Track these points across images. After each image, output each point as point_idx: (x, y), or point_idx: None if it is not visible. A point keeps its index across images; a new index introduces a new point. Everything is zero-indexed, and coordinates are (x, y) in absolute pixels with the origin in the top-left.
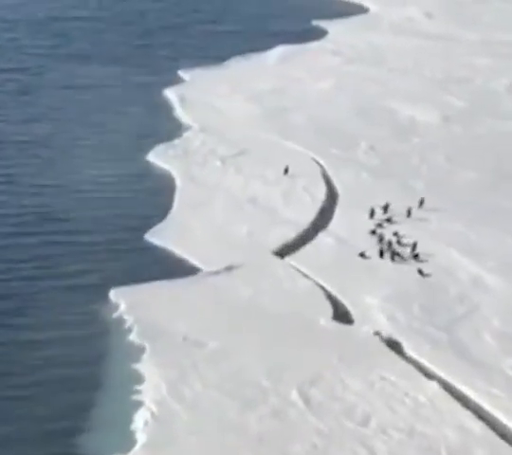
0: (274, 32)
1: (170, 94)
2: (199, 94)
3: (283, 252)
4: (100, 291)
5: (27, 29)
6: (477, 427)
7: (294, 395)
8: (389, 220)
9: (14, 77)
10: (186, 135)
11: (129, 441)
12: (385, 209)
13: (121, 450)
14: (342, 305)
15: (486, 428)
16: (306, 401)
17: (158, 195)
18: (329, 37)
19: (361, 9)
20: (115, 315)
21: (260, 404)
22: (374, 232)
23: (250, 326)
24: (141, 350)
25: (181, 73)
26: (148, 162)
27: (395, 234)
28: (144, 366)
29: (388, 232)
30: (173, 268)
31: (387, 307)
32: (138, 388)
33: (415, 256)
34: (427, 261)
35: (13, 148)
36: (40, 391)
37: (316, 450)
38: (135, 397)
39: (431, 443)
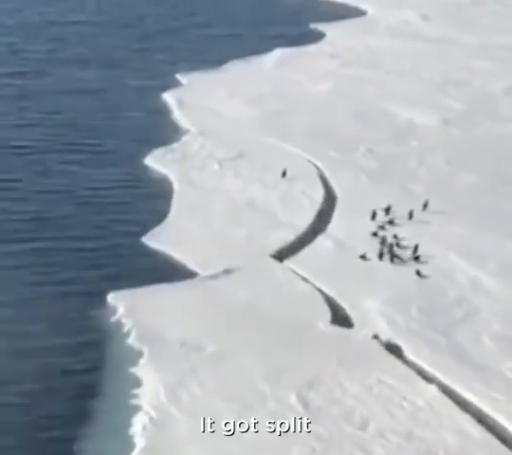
0: (272, 35)
1: (168, 97)
2: (197, 97)
3: (281, 255)
4: (98, 295)
5: (24, 34)
6: (476, 430)
7: (293, 399)
8: (391, 222)
9: (12, 81)
10: (184, 138)
11: (127, 446)
12: (387, 211)
13: None
14: (341, 309)
15: (486, 432)
16: (305, 405)
17: (156, 199)
18: (327, 40)
19: (359, 12)
20: (113, 319)
21: (258, 408)
22: (375, 234)
23: (249, 330)
24: (140, 354)
25: (179, 77)
26: (146, 166)
27: (395, 237)
28: (142, 370)
29: (389, 235)
30: (172, 272)
31: (386, 310)
32: (137, 392)
33: (416, 258)
34: (427, 262)
35: (11, 153)
36: (37, 397)
37: (314, 454)
38: (133, 401)
39: (430, 447)
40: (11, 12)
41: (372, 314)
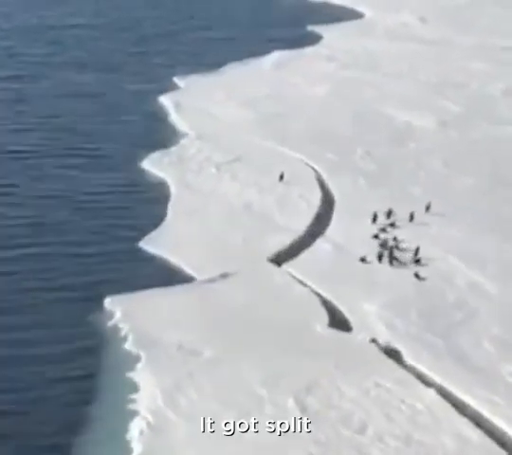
0: (269, 38)
1: (165, 101)
2: (195, 100)
3: (279, 259)
4: (95, 300)
5: (21, 37)
6: (475, 434)
7: (290, 404)
8: (392, 225)
9: (9, 85)
10: (181, 142)
11: (125, 451)
12: (388, 214)
13: None
14: (340, 312)
15: (485, 436)
16: (303, 409)
17: (153, 203)
18: (324, 42)
19: (356, 15)
20: (110, 323)
21: (256, 413)
22: (376, 237)
23: (246, 334)
24: (137, 358)
25: (176, 80)
26: (143, 170)
27: (395, 239)
28: (139, 375)
29: (389, 237)
30: (169, 276)
31: (385, 314)
32: (134, 397)
33: (417, 261)
34: (426, 265)
35: (8, 158)
36: (35, 402)
37: None
38: (130, 406)
39: (429, 451)
40: (9, 16)
41: (370, 317)
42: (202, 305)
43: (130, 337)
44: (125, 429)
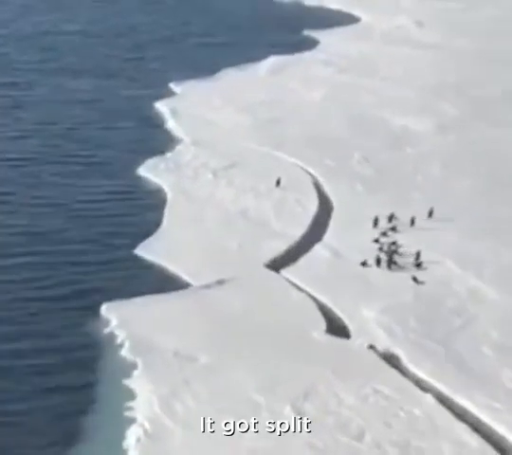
0: (265, 43)
1: (161, 107)
2: (191, 106)
3: (275, 265)
4: (91, 307)
5: (16, 44)
6: (474, 440)
7: (287, 410)
8: (393, 229)
9: (4, 92)
10: (178, 148)
11: None
12: (390, 218)
13: None
14: (338, 318)
15: (484, 442)
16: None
17: (149, 210)
18: (320, 47)
19: (352, 19)
20: (106, 330)
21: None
22: (377, 241)
23: (243, 340)
24: (133, 365)
25: (173, 86)
26: (139, 176)
27: (394, 244)
28: (136, 382)
29: (388, 242)
30: (165, 283)
31: (383, 319)
32: (130, 404)
33: (418, 265)
34: (426, 269)
35: (3, 165)
36: (31, 408)
37: None
38: (127, 414)
39: None
40: (4, 23)
41: (369, 323)
42: (198, 312)
43: (126, 344)
44: (122, 437)
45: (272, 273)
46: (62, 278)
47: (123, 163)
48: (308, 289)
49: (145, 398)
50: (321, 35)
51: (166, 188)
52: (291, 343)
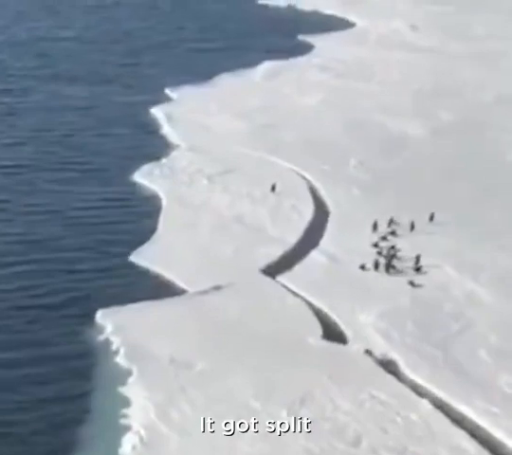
0: (260, 48)
1: (157, 113)
2: (187, 112)
3: (271, 271)
4: (86, 314)
5: (11, 50)
6: (471, 446)
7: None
8: (393, 233)
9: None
10: (173, 154)
11: None
12: (389, 223)
13: None
14: (335, 323)
15: (481, 448)
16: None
17: (144, 216)
18: (316, 52)
19: (347, 24)
20: (101, 337)
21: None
22: (376, 245)
23: (239, 346)
24: (128, 372)
25: (168, 91)
26: (135, 183)
27: (393, 247)
28: (132, 389)
29: (386, 246)
30: (160, 289)
31: (380, 325)
32: (126, 411)
33: (418, 269)
34: (424, 273)
35: None
36: (26, 415)
37: None
38: (122, 421)
39: None
40: None
41: (366, 328)
42: (194, 318)
43: (122, 351)
44: (118, 444)
45: (268, 279)
46: (57, 285)
47: (119, 169)
48: (304, 295)
49: (141, 405)
50: (316, 40)
51: (161, 194)
52: (287, 349)
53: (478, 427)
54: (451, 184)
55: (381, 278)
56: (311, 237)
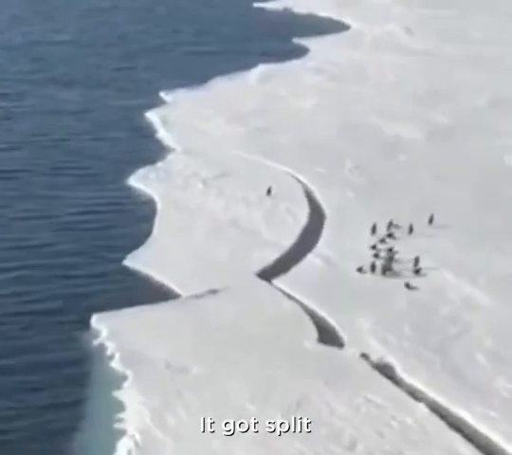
0: (255, 51)
1: (152, 116)
2: (182, 115)
3: (267, 275)
4: (81, 318)
5: (6, 55)
6: (467, 450)
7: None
8: (390, 235)
9: None
10: (168, 157)
11: None
12: (388, 225)
13: None
14: (331, 327)
15: (478, 452)
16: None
17: (139, 221)
18: (310, 55)
19: (342, 27)
20: (96, 342)
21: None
22: (374, 247)
23: (234, 351)
24: (124, 377)
25: (163, 95)
26: (130, 187)
27: (391, 250)
28: (127, 393)
29: (383, 248)
30: (155, 293)
31: (377, 328)
32: (121, 416)
33: (417, 271)
34: (421, 276)
35: None
36: (20, 422)
37: None
38: (117, 426)
39: None
40: None
41: (362, 332)
42: (189, 322)
43: (117, 356)
44: (113, 449)
45: (263, 283)
46: (52, 291)
47: (114, 173)
48: (300, 298)
49: (136, 410)
50: (311, 43)
51: (156, 198)
52: (283, 353)
53: (476, 431)
54: (448, 187)
55: (378, 281)
56: (307, 240)
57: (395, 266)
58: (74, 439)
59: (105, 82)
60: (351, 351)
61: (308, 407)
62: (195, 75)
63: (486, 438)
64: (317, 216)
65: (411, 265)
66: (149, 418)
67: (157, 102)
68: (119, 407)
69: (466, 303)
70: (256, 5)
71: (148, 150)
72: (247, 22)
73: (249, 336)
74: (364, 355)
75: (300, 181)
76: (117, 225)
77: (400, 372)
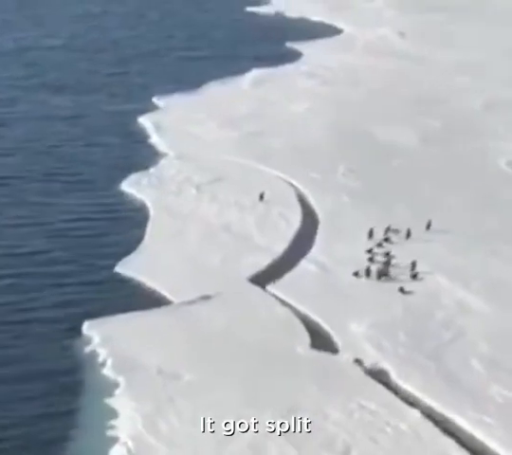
0: (248, 56)
1: (145, 121)
2: (175, 120)
3: (259, 280)
4: (73, 325)
5: None
6: None
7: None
8: (387, 239)
9: None
10: (161, 162)
11: None
12: (386, 230)
13: None
14: (325, 333)
15: None
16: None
17: (132, 226)
18: (303, 59)
19: (334, 31)
20: (88, 348)
21: (238, 437)
22: (370, 251)
23: (227, 357)
24: (116, 384)
25: (156, 100)
26: (122, 192)
27: (387, 254)
28: (119, 400)
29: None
30: (147, 299)
31: (372, 334)
32: (114, 423)
33: (414, 276)
34: (416, 280)
35: None
36: (13, 428)
37: None
38: (110, 432)
39: None
40: None
41: (357, 337)
42: (182, 328)
43: (109, 362)
44: None
45: (256, 288)
46: (44, 298)
47: (107, 179)
48: (293, 303)
49: (128, 416)
50: (304, 47)
51: (149, 203)
52: (276, 359)
53: (470, 437)
54: (443, 191)
55: (373, 285)
56: (300, 245)
57: (392, 271)
58: (67, 447)
59: (98, 88)
60: (345, 356)
61: (301, 412)
62: (188, 80)
63: (481, 444)
64: (310, 221)
65: (407, 270)
66: (141, 425)
67: (150, 107)
68: (112, 413)
69: (461, 308)
70: (248, 9)
71: (141, 155)
72: (240, 26)
73: (242, 341)
74: (358, 361)
75: (293, 186)
76: (109, 231)
77: (394, 377)
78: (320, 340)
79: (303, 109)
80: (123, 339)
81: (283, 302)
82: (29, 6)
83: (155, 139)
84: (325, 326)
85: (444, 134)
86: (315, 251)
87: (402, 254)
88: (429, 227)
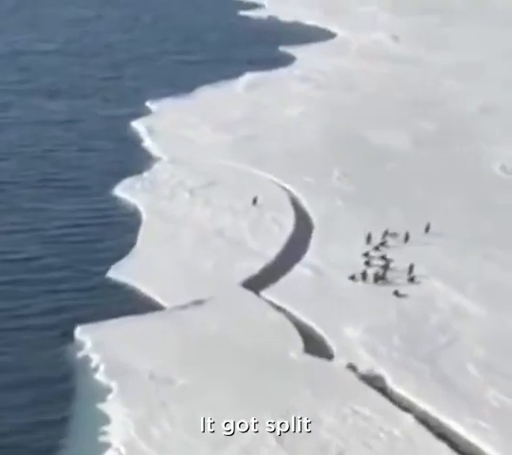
0: (242, 60)
1: (138, 126)
2: (168, 125)
3: (252, 285)
4: (65, 330)
5: None
6: None
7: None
8: (383, 243)
9: None
10: (154, 167)
11: None
12: (384, 234)
13: None
14: (319, 337)
15: None
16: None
17: (125, 231)
18: (297, 63)
19: (328, 35)
20: (80, 353)
21: (230, 442)
22: (366, 254)
23: (219, 362)
24: (108, 389)
25: (149, 104)
26: (116, 197)
27: (384, 257)
28: (111, 405)
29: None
30: (139, 304)
31: (366, 338)
32: (106, 428)
33: (411, 279)
34: (413, 284)
35: None
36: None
37: None
38: (102, 438)
39: None
40: None
41: (351, 342)
42: (174, 333)
43: (101, 367)
44: None
45: (249, 293)
46: (36, 304)
47: (100, 184)
48: (287, 308)
49: (121, 422)
50: (298, 51)
51: (142, 208)
52: (269, 364)
53: (465, 442)
54: (438, 194)
55: (368, 289)
56: (294, 249)
57: (389, 275)
58: (58, 451)
59: (91, 92)
60: (339, 361)
61: (295, 418)
62: (182, 84)
63: (477, 449)
64: (304, 225)
65: (404, 274)
66: (134, 430)
67: (143, 112)
68: (104, 419)
69: (456, 312)
70: (242, 13)
71: (134, 159)
72: (233, 30)
73: (235, 346)
74: (351, 366)
75: (287, 190)
76: (102, 236)
77: (389, 382)
78: (314, 345)
79: (297, 113)
80: (116, 344)
81: (277, 307)
82: (23, 10)
83: (148, 143)
84: (319, 330)
85: (438, 137)
86: (309, 255)
87: (400, 257)
88: (427, 230)
